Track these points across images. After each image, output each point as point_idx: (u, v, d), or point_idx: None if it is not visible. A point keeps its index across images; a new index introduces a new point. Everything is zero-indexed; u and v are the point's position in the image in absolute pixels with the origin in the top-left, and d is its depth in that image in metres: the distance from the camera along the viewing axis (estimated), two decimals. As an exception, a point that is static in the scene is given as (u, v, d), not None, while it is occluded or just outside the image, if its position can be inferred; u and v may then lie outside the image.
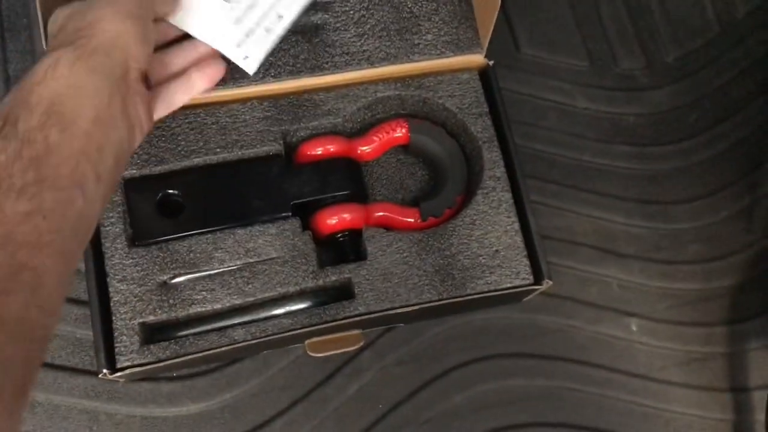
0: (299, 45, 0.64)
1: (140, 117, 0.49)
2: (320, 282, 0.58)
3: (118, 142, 0.46)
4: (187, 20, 0.58)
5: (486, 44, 0.65)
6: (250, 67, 0.59)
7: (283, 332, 0.57)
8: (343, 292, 0.59)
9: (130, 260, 0.57)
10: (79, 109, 0.42)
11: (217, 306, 0.57)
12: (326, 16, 0.65)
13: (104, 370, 0.55)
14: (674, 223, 0.73)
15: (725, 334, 0.70)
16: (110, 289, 0.57)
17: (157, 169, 0.60)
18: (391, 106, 0.65)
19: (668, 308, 0.70)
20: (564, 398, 0.67)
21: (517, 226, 0.61)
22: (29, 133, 0.39)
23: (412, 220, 0.62)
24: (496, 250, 0.60)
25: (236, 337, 0.57)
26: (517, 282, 0.60)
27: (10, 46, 0.71)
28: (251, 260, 0.58)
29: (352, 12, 0.65)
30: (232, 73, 0.61)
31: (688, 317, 0.70)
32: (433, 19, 0.66)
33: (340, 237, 0.60)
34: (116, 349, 0.56)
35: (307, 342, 0.61)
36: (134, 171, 0.60)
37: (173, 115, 0.61)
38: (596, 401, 0.67)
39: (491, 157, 0.63)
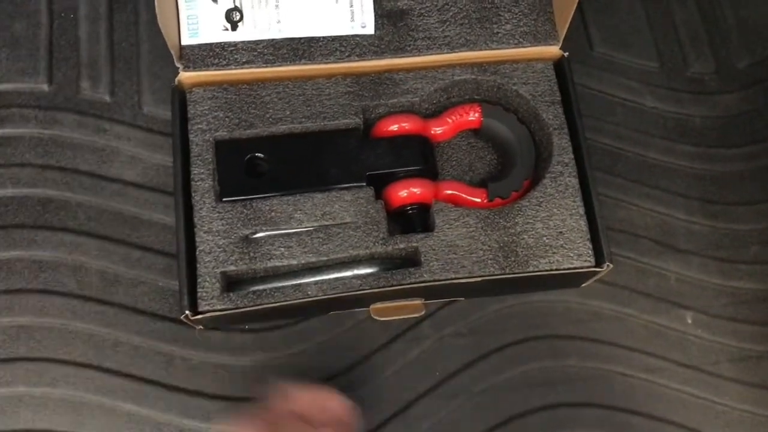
0: (384, 27, 0.68)
1: None
2: (389, 248, 0.62)
3: None
4: (301, 28, 0.66)
5: (562, 36, 0.68)
6: (370, 30, 0.67)
7: (351, 291, 0.60)
8: (410, 260, 0.62)
9: (217, 214, 0.62)
10: None
11: (293, 262, 0.61)
12: (412, 2, 0.69)
13: (186, 312, 0.59)
14: (735, 224, 0.75)
15: (781, 335, 0.71)
16: (197, 239, 0.62)
17: (246, 133, 0.65)
18: (467, 89, 0.69)
19: (725, 305, 0.72)
20: (615, 382, 0.68)
21: (582, 210, 0.64)
22: None
23: (479, 200, 0.65)
24: (560, 232, 0.63)
25: (309, 293, 0.60)
26: (579, 263, 0.62)
27: (116, 17, 0.77)
28: (326, 223, 0.62)
29: (436, 0, 0.69)
30: (321, 50, 0.66)
31: (744, 315, 0.71)
32: (513, 10, 0.69)
33: (410, 210, 0.64)
34: (198, 294, 0.60)
35: (371, 306, 0.65)
36: (225, 133, 0.64)
37: (264, 84, 0.66)
38: (647, 388, 0.69)
39: (560, 144, 0.66)
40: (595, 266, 0.62)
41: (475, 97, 0.70)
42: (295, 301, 0.60)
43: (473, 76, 0.68)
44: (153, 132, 0.73)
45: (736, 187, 0.76)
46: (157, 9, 0.59)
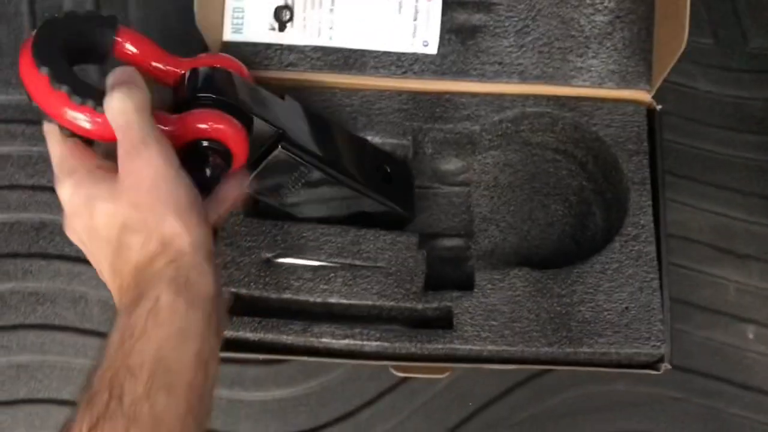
0: (451, 44, 0.60)
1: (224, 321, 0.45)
2: (419, 306, 0.55)
3: (214, 370, 0.41)
4: (354, 38, 0.59)
5: (657, 83, 0.59)
6: (432, 50, 0.60)
7: (369, 351, 0.54)
8: (441, 320, 0.55)
9: (244, 228, 0.56)
10: (183, 357, 0.38)
11: (309, 299, 0.55)
12: (487, 18, 0.61)
13: None
14: (803, 224, 0.67)
15: None
16: (216, 250, 0.56)
17: None
18: (540, 123, 0.61)
19: (791, 317, 0.65)
20: (669, 407, 0.63)
21: (656, 284, 0.55)
22: (135, 406, 0.36)
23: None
24: (626, 308, 0.55)
25: (323, 339, 0.54)
26: (645, 350, 0.54)
27: (105, 14, 0.70)
28: (357, 262, 0.55)
29: (516, 19, 0.61)
30: (374, 62, 0.60)
31: (813, 329, 0.65)
32: (604, 43, 0.60)
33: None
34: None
35: (392, 364, 0.58)
36: None
37: (308, 91, 0.59)
38: (703, 414, 0.63)
39: (639, 202, 0.57)
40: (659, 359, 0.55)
41: (550, 135, 0.61)
42: (303, 356, 0.55)
43: (548, 110, 0.60)
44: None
45: (804, 182, 0.68)
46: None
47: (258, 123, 0.48)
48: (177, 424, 0.37)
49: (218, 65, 0.49)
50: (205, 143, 0.45)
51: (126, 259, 0.40)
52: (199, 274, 0.40)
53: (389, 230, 0.56)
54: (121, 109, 0.41)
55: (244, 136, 0.46)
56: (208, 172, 0.45)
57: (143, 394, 0.36)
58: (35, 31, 0.43)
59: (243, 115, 0.47)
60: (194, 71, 0.48)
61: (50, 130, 0.44)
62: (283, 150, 0.49)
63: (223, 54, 0.52)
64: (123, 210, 0.40)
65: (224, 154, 0.46)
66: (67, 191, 0.42)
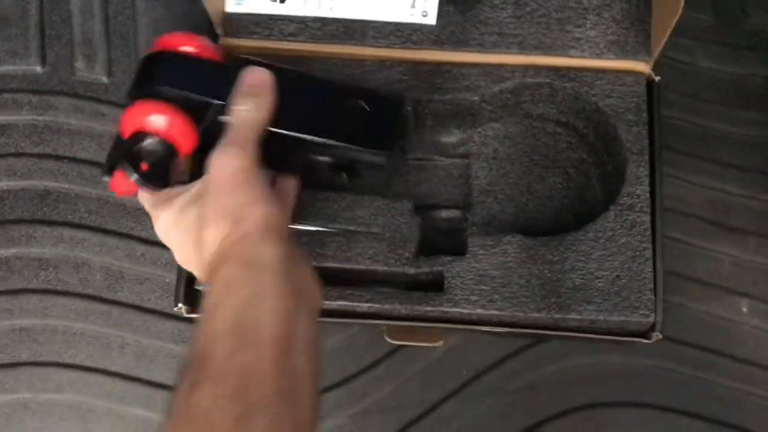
0: (450, 15, 0.60)
1: (309, 279, 0.45)
2: (411, 270, 0.55)
3: (306, 327, 0.41)
4: (354, 9, 0.59)
5: (656, 53, 0.59)
6: (431, 20, 0.60)
7: (360, 312, 0.55)
8: (433, 284, 0.56)
9: None
10: (259, 315, 0.39)
11: None
12: None
13: (180, 305, 0.55)
14: (800, 199, 0.67)
15: None
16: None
17: None
18: (540, 95, 0.61)
19: (786, 291, 0.65)
20: (661, 378, 0.63)
21: (649, 253, 0.55)
22: (221, 365, 0.37)
23: None
24: (617, 276, 0.55)
25: None
26: (634, 318, 0.54)
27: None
28: (351, 227, 0.56)
29: None
30: (374, 32, 0.60)
31: (808, 303, 0.65)
32: (602, 14, 0.60)
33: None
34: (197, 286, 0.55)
35: (386, 326, 0.59)
36: None
37: (308, 61, 0.60)
38: (696, 384, 0.63)
39: (636, 172, 0.57)
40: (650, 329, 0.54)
41: (550, 106, 0.61)
42: None
43: (548, 80, 0.59)
44: (155, 114, 0.67)
45: (802, 157, 0.68)
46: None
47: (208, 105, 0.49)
48: (265, 378, 0.37)
49: (182, 46, 0.51)
50: (143, 136, 0.47)
51: (206, 245, 0.43)
52: (265, 247, 0.41)
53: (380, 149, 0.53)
54: (244, 121, 0.46)
55: (181, 124, 0.48)
56: (150, 163, 0.48)
57: (228, 354, 0.37)
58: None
59: (187, 102, 0.48)
60: (145, 59, 0.50)
61: (142, 196, 0.49)
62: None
63: (185, 33, 0.52)
64: (205, 201, 0.43)
65: (164, 144, 0.48)
66: (160, 221, 0.47)
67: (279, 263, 0.41)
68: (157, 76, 0.49)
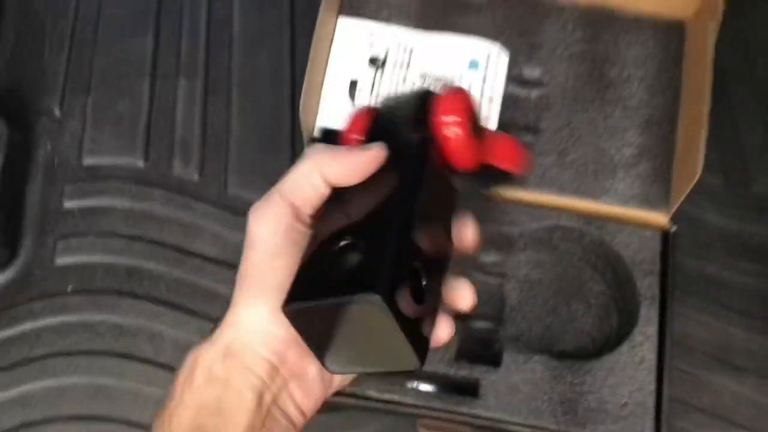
0: None
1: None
2: (451, 372, 0.63)
3: None
4: None
5: (674, 208, 0.67)
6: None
7: (405, 403, 0.62)
8: (469, 389, 0.63)
9: None
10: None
11: None
12: (534, 139, 0.70)
13: None
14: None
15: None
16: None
17: None
18: (571, 236, 0.69)
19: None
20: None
21: (652, 387, 0.63)
22: None
23: None
24: (625, 403, 0.63)
25: (368, 392, 0.62)
26: None
27: (210, 100, 0.82)
28: None
29: (559, 142, 0.70)
30: None
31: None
32: (630, 171, 0.69)
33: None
34: None
35: (419, 420, 0.65)
36: None
37: None
38: (695, 506, 0.68)
39: (648, 315, 0.65)
40: None
41: (577, 246, 0.70)
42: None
43: (578, 226, 0.68)
44: (236, 213, 0.77)
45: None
46: (303, 93, 0.62)
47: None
48: None
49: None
50: None
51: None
52: (248, 353, 0.40)
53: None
54: None
55: None
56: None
57: None
58: None
59: None
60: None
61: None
62: None
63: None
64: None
65: None
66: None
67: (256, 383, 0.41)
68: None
